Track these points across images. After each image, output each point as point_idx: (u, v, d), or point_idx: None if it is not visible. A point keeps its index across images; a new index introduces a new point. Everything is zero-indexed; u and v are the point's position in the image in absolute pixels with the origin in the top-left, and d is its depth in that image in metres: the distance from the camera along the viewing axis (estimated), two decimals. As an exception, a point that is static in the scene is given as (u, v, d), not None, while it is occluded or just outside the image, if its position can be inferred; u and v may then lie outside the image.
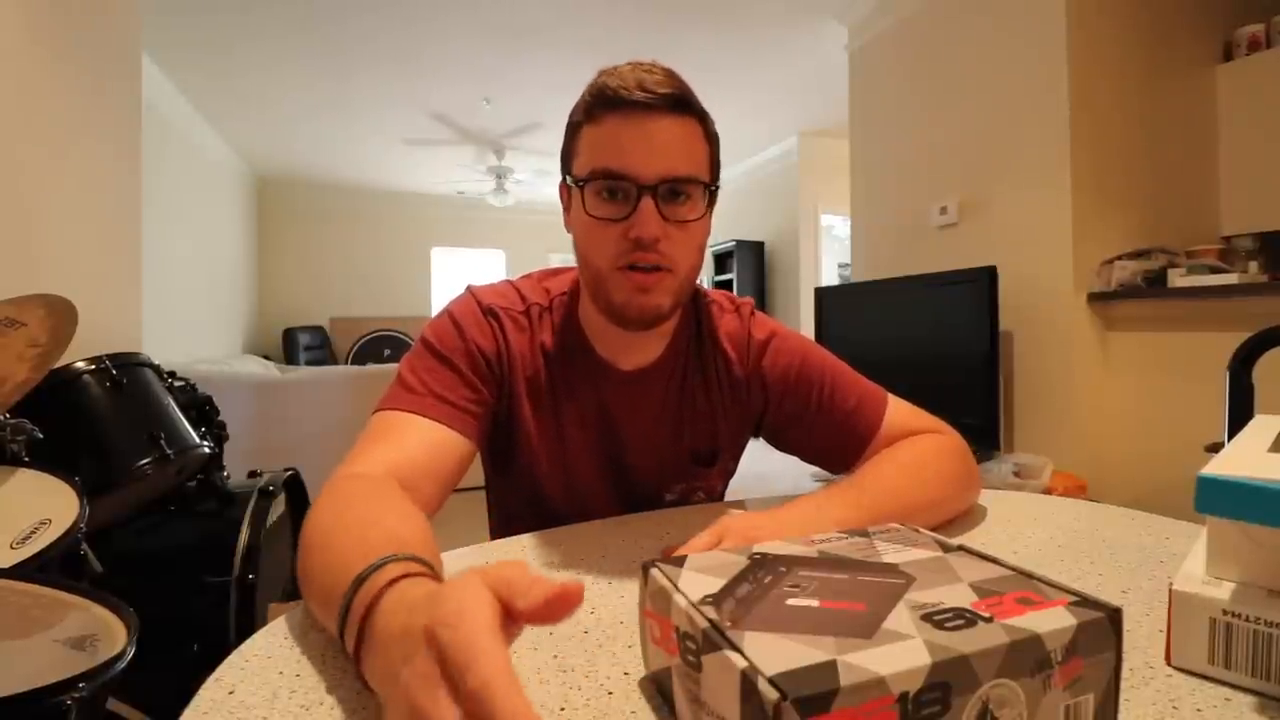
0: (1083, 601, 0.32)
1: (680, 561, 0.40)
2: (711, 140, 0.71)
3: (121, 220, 2.36)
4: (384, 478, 0.58)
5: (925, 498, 0.67)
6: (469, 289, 0.79)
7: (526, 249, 7.98)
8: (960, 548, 0.41)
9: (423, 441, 0.64)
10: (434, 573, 0.40)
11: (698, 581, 0.37)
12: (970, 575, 0.36)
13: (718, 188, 0.72)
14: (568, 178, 0.72)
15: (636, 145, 0.65)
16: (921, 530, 0.45)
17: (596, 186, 0.67)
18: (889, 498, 0.64)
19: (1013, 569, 0.37)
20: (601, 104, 0.66)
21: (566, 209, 0.74)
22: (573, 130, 0.70)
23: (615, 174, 0.65)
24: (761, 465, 1.57)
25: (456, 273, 7.79)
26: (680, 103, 0.66)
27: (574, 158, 0.70)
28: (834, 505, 0.61)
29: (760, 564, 0.39)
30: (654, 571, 0.39)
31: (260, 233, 6.75)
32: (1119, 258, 2.36)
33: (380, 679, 0.34)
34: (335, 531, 0.48)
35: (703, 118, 0.69)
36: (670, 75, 0.67)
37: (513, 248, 8.03)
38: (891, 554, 0.40)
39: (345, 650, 0.39)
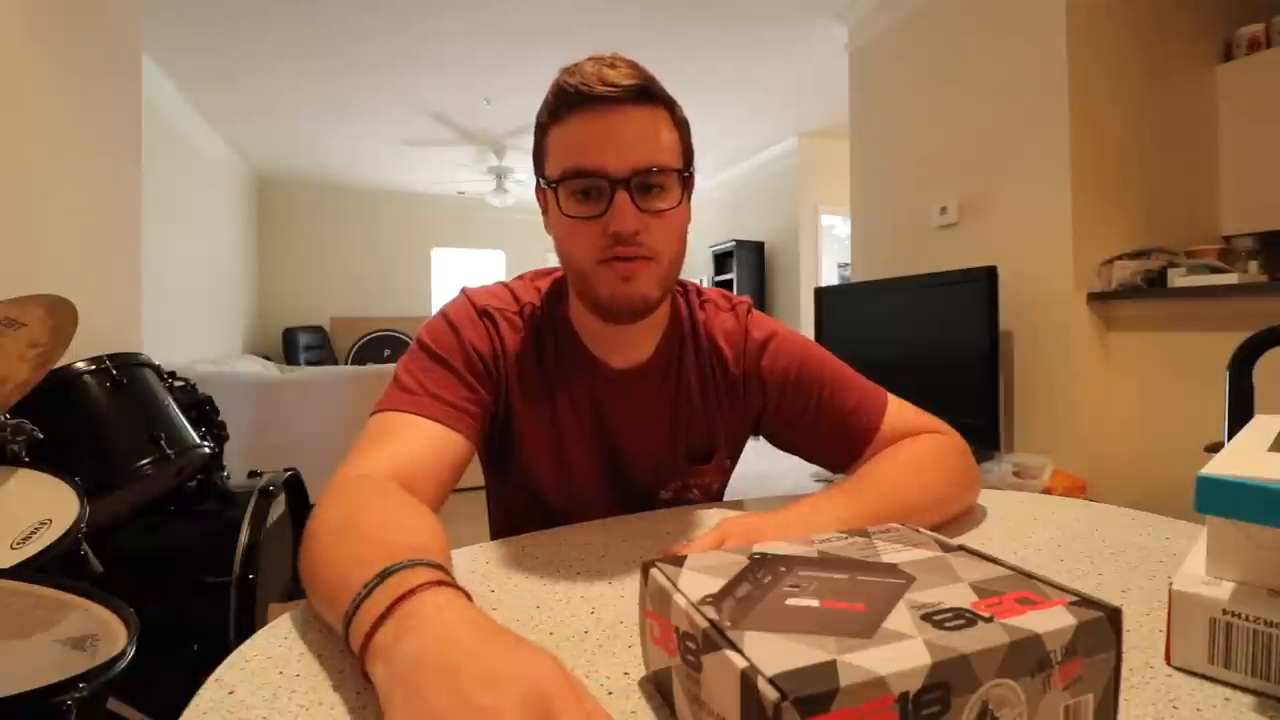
0: (1082, 601, 0.32)
1: (680, 561, 0.40)
2: (681, 126, 0.70)
3: (122, 220, 2.36)
4: (389, 479, 0.58)
5: (926, 498, 0.67)
6: (463, 291, 0.79)
7: (526, 249, 7.98)
8: (960, 548, 0.41)
9: (423, 441, 0.64)
10: (462, 588, 0.41)
11: (698, 581, 0.36)
12: (970, 575, 0.36)
13: (692, 173, 0.71)
14: (541, 180, 0.71)
15: (604, 140, 0.64)
16: (921, 530, 0.45)
17: (570, 186, 0.66)
18: (889, 498, 0.64)
19: (1012, 569, 0.37)
20: (565, 103, 0.65)
21: (545, 211, 0.74)
22: (540, 132, 0.70)
23: (586, 172, 0.65)
24: (761, 465, 1.58)
25: (457, 273, 7.79)
26: (644, 93, 0.65)
27: (545, 159, 0.69)
28: (834, 506, 0.61)
29: (760, 564, 0.39)
30: (654, 571, 0.39)
31: (260, 233, 6.75)
32: (1119, 257, 2.36)
33: (394, 679, 0.33)
34: (347, 530, 0.49)
35: (670, 105, 0.69)
36: (632, 66, 0.66)
37: (513, 248, 8.03)
38: (891, 554, 0.40)
39: (347, 643, 0.39)
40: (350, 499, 0.54)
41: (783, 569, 0.38)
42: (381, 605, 0.38)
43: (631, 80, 0.64)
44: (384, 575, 0.40)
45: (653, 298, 0.70)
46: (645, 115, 0.66)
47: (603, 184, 0.65)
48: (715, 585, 0.36)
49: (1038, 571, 0.36)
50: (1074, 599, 0.32)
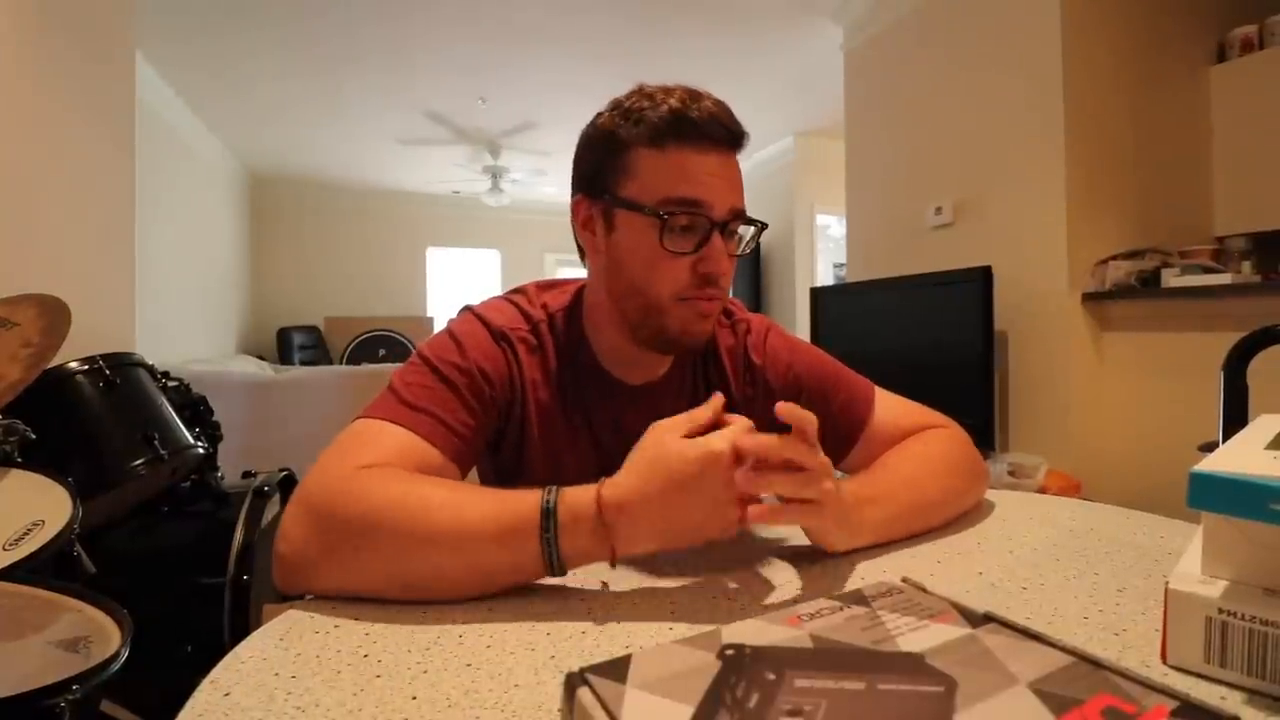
0: (1186, 709, 0.24)
1: (622, 670, 0.28)
2: None
3: (115, 219, 2.35)
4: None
5: (942, 493, 0.68)
6: (470, 310, 0.76)
7: (522, 249, 7.96)
8: (987, 617, 0.33)
9: (407, 459, 0.61)
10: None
11: (651, 709, 0.25)
12: (1024, 669, 0.28)
13: (766, 225, 0.73)
14: (606, 196, 0.69)
15: (714, 180, 0.66)
16: (928, 590, 0.39)
17: (676, 219, 0.65)
18: (909, 493, 0.65)
19: (1070, 651, 0.30)
20: (674, 132, 0.65)
21: (588, 227, 0.72)
22: (618, 148, 0.67)
23: (695, 207, 0.65)
24: (758, 465, 1.57)
25: (452, 272, 7.78)
26: (742, 140, 0.68)
27: (623, 179, 0.67)
28: (865, 499, 0.62)
29: (737, 665, 0.28)
30: (583, 692, 0.27)
31: (254, 232, 6.72)
32: (1113, 258, 2.37)
33: (661, 529, 0.52)
34: (435, 496, 0.53)
35: None
36: (730, 110, 0.68)
37: (508, 247, 8.01)
38: (908, 634, 0.32)
39: (595, 551, 0.52)
40: (391, 480, 0.55)
41: (770, 675, 0.27)
42: (590, 492, 0.52)
43: (738, 127, 0.67)
44: (548, 493, 0.52)
45: (710, 335, 0.73)
46: (737, 162, 0.69)
47: (704, 221, 0.66)
48: (678, 715, 0.25)
49: (1101, 656, 0.30)
50: (1173, 704, 0.25)
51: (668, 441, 0.53)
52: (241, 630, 1.22)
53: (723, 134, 0.66)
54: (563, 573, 0.52)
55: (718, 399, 0.57)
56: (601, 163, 0.69)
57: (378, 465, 0.58)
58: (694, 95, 0.66)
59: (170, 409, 1.44)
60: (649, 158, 0.66)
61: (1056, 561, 0.59)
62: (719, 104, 0.67)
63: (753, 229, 0.71)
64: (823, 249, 5.72)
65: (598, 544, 0.52)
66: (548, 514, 0.51)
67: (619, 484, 0.53)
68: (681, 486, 0.51)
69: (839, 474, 0.79)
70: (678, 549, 0.54)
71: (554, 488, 0.53)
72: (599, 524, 0.51)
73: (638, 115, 0.66)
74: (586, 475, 0.75)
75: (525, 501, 0.52)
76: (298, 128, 5.19)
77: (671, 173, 0.65)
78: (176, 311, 4.44)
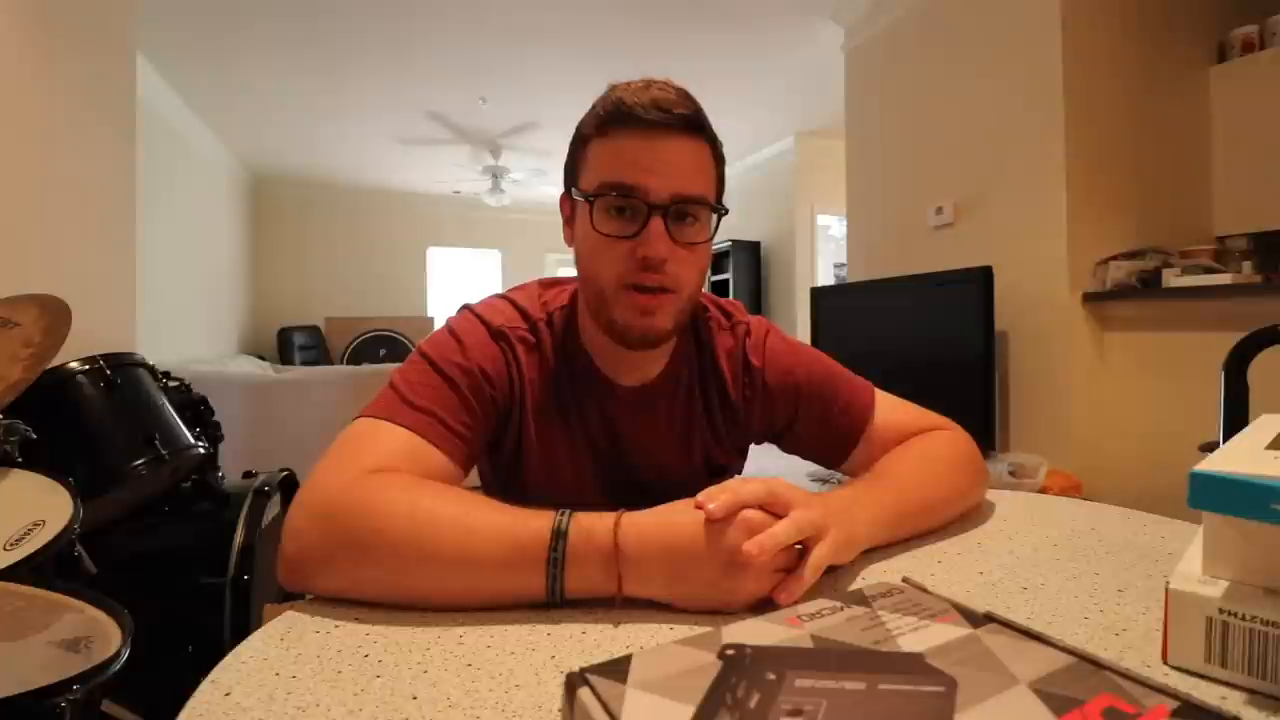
0: (1188, 709, 0.24)
1: (623, 670, 0.28)
2: (719, 162, 0.71)
3: (116, 220, 2.35)
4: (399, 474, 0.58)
5: (943, 494, 0.68)
6: (469, 309, 0.75)
7: (523, 249, 7.97)
8: (988, 616, 0.34)
9: (409, 458, 0.61)
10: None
11: (652, 708, 0.25)
12: (1024, 669, 0.28)
13: (725, 211, 0.71)
14: (572, 191, 0.70)
15: (649, 163, 0.64)
16: (928, 590, 0.39)
17: (606, 202, 0.65)
18: (911, 496, 0.65)
19: (1071, 652, 0.30)
20: (614, 119, 0.65)
21: (569, 223, 0.73)
22: (580, 143, 0.69)
23: (626, 189, 0.64)
24: (760, 465, 1.57)
25: (453, 273, 7.78)
26: (693, 124, 0.66)
27: (580, 171, 0.69)
28: (866, 502, 0.61)
29: (737, 665, 0.28)
30: (583, 691, 0.27)
31: (256, 232, 6.72)
32: (1114, 258, 2.37)
33: (675, 577, 0.49)
34: (443, 510, 0.52)
35: (713, 140, 0.69)
36: (684, 95, 0.67)
37: (509, 248, 8.02)
38: (908, 634, 0.32)
39: (603, 585, 0.50)
40: (408, 488, 0.55)
41: (771, 675, 0.27)
42: (609, 520, 0.51)
43: (684, 109, 0.65)
44: (561, 516, 0.51)
45: (667, 330, 0.70)
46: (691, 146, 0.67)
47: (640, 205, 0.65)
48: (678, 715, 0.24)
49: (1102, 656, 0.30)
50: (1174, 705, 0.25)
51: (689, 503, 0.52)
52: (242, 630, 1.22)
53: (663, 118, 0.64)
54: (564, 601, 0.50)
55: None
56: (572, 160, 0.71)
57: (384, 470, 0.57)
58: (646, 84, 0.66)
59: (171, 409, 1.44)
60: (595, 147, 0.67)
61: (1057, 561, 0.59)
62: (668, 89, 0.66)
63: (715, 216, 0.70)
64: (823, 249, 5.72)
65: (606, 575, 0.50)
66: (558, 535, 0.50)
67: (636, 517, 0.52)
68: (691, 543, 0.49)
69: (840, 476, 0.79)
70: (686, 604, 0.50)
71: (567, 511, 0.52)
72: (612, 553, 0.50)
73: (593, 110, 0.68)
74: (583, 476, 0.76)
75: (534, 525, 0.51)
76: (299, 127, 5.20)
77: (610, 159, 0.66)
78: (177, 311, 4.44)
